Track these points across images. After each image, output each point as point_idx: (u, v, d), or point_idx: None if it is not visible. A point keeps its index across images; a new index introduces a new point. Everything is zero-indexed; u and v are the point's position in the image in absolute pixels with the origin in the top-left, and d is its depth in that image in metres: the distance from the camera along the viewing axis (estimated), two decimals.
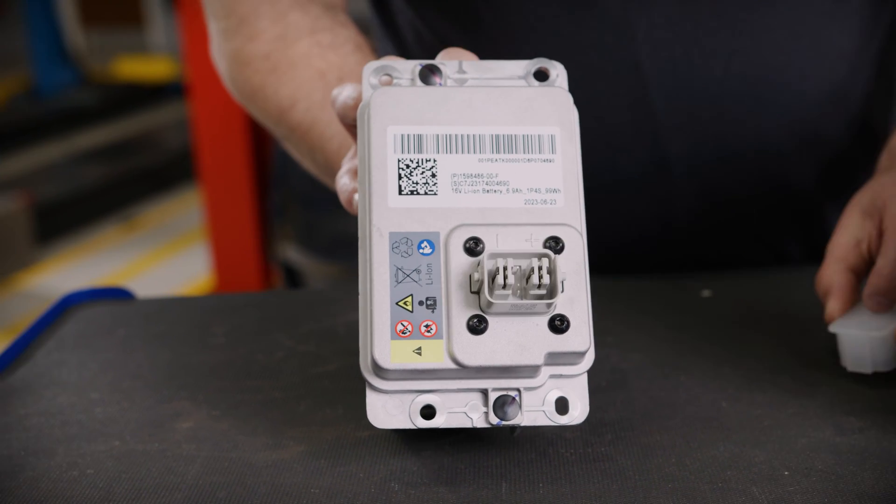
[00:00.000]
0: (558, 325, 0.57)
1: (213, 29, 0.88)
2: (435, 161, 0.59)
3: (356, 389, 0.67)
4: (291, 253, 2.44)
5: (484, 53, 0.63)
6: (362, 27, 0.90)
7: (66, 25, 5.75)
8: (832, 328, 0.69)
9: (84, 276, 3.40)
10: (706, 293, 0.85)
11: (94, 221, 3.95)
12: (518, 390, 0.58)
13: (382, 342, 0.56)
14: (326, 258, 2.38)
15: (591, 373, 0.59)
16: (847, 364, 0.69)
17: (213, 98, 2.59)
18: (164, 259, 3.63)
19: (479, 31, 0.85)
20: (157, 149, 4.84)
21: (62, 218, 3.86)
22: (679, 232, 0.89)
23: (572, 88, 0.62)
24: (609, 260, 0.87)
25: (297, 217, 2.43)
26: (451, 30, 0.86)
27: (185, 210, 4.08)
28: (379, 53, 0.96)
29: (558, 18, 0.83)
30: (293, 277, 2.48)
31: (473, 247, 0.57)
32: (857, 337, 0.68)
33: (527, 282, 0.56)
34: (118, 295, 0.89)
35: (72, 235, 3.83)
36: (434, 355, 0.56)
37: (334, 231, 2.33)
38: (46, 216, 3.75)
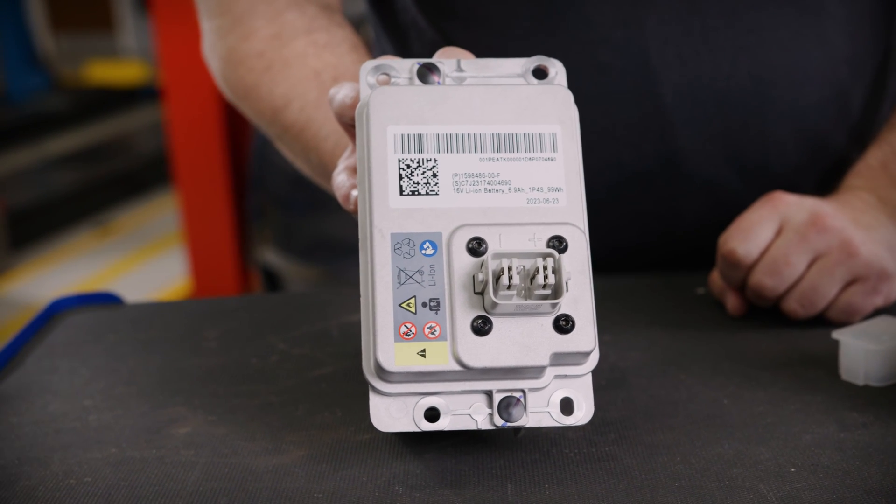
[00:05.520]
0: (563, 325, 0.56)
1: (206, 27, 0.87)
2: (436, 161, 0.59)
3: (354, 392, 0.67)
4: (270, 256, 2.43)
5: (490, 50, 0.62)
6: (356, 26, 0.89)
7: (36, 30, 5.70)
8: (834, 334, 0.69)
9: (59, 282, 3.37)
10: (701, 291, 0.84)
11: (68, 227, 3.92)
12: (523, 391, 0.57)
13: (386, 344, 0.56)
14: (305, 261, 2.38)
15: (591, 373, 0.58)
16: (841, 372, 0.69)
17: (188, 101, 2.57)
18: (140, 264, 3.60)
19: (485, 29, 0.85)
20: (131, 153, 4.81)
21: (36, 224, 3.82)
22: (685, 229, 0.89)
23: (581, 84, 0.62)
24: (614, 257, 0.87)
25: (275, 220, 2.42)
26: (456, 28, 0.86)
27: (161, 214, 4.05)
28: (376, 53, 0.95)
29: (567, 14, 0.83)
30: (272, 280, 2.47)
31: (476, 247, 0.57)
32: (853, 346, 0.68)
33: (531, 282, 0.56)
34: (106, 300, 0.88)
35: (46, 241, 3.80)
36: (438, 357, 0.56)
37: (313, 233, 2.32)
38: (19, 222, 3.71)
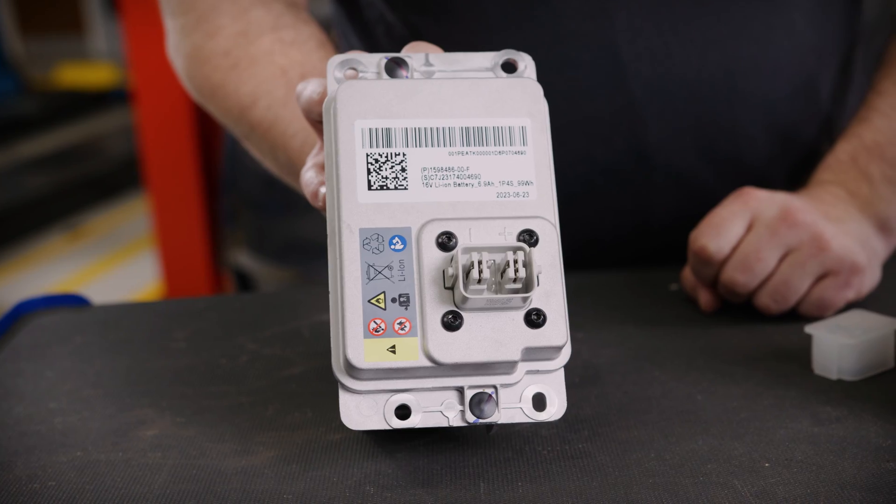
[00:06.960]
0: (535, 319, 0.56)
1: (171, 26, 0.85)
2: (404, 155, 0.58)
3: (324, 392, 0.66)
4: (243, 258, 2.42)
5: (460, 45, 0.62)
6: (325, 28, 0.88)
7: (4, 33, 5.66)
8: (807, 329, 0.69)
9: (29, 286, 3.34)
10: (674, 287, 0.84)
11: (38, 231, 3.88)
12: (495, 387, 0.56)
13: (355, 341, 0.55)
14: (278, 263, 2.36)
15: (564, 369, 0.58)
16: (815, 366, 0.69)
17: (159, 103, 2.55)
18: (112, 268, 3.58)
19: (455, 23, 0.84)
20: (101, 156, 4.78)
21: (5, 228, 3.79)
22: (658, 223, 0.88)
23: (552, 78, 0.61)
24: (587, 252, 0.86)
25: (247, 222, 2.41)
26: (425, 22, 0.85)
27: (132, 217, 4.02)
28: (342, 51, 0.94)
29: (536, 8, 0.82)
30: (245, 283, 2.45)
31: (446, 241, 0.56)
32: (826, 341, 0.68)
33: (502, 276, 0.55)
34: (73, 302, 0.86)
35: (16, 246, 3.76)
36: (408, 353, 0.55)
37: (286, 235, 2.31)
38: None
